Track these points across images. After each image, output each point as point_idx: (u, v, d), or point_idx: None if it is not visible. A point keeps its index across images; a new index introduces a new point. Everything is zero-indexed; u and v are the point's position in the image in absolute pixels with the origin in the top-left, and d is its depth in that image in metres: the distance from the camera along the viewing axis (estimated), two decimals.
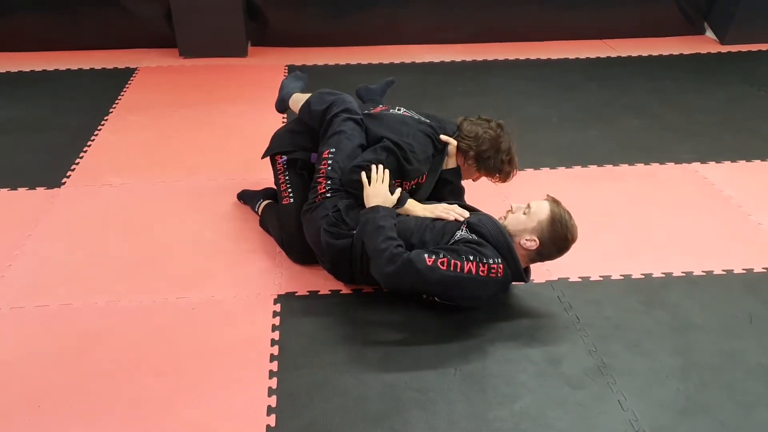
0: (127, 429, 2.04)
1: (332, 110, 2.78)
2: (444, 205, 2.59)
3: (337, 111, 2.77)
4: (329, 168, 2.65)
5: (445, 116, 2.91)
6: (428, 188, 2.79)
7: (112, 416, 2.08)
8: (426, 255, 2.31)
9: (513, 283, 2.55)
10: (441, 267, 2.29)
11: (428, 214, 2.54)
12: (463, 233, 2.43)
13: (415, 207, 2.58)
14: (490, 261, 2.34)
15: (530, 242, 2.42)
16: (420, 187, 2.76)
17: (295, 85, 3.21)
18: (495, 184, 2.89)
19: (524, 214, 2.46)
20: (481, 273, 2.32)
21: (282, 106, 3.20)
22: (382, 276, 2.36)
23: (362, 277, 2.57)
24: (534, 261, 2.51)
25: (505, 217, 2.51)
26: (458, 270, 2.30)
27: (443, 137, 2.77)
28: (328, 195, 2.61)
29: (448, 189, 2.82)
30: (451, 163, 2.81)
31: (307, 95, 3.00)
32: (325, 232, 2.55)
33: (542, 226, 2.41)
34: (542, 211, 2.43)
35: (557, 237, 2.42)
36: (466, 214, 2.53)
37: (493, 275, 2.35)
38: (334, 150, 2.68)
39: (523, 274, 2.46)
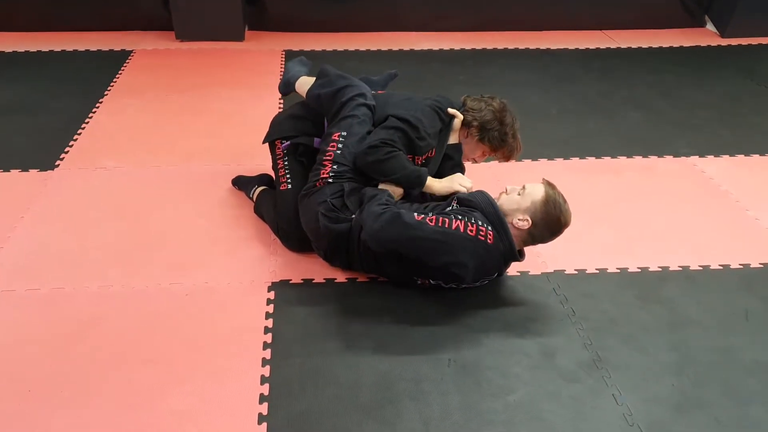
0: (118, 415, 2.02)
1: (346, 93, 2.75)
2: (459, 175, 2.64)
3: (352, 95, 2.74)
4: (338, 152, 2.62)
5: None
6: (436, 163, 2.77)
7: (103, 402, 2.06)
8: (415, 213, 2.35)
9: (508, 263, 2.52)
10: (429, 223, 2.32)
11: (448, 190, 2.58)
12: (453, 207, 2.46)
13: (434, 183, 2.61)
14: (479, 223, 2.36)
15: (523, 222, 2.42)
16: (428, 161, 2.74)
17: (300, 68, 3.16)
18: (498, 161, 2.86)
19: (518, 194, 2.47)
20: (469, 232, 2.33)
21: (287, 88, 3.14)
22: (372, 235, 2.35)
23: (358, 263, 2.56)
24: (527, 243, 2.50)
25: (498, 198, 2.51)
26: (446, 226, 2.31)
27: (450, 110, 2.76)
28: (330, 181, 2.59)
29: (449, 165, 2.80)
30: (452, 138, 2.80)
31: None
32: (324, 217, 2.52)
33: (536, 206, 2.42)
34: (537, 192, 2.45)
35: (550, 218, 2.42)
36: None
37: (482, 238, 2.34)
38: (345, 134, 2.65)
39: (516, 252, 2.46)
